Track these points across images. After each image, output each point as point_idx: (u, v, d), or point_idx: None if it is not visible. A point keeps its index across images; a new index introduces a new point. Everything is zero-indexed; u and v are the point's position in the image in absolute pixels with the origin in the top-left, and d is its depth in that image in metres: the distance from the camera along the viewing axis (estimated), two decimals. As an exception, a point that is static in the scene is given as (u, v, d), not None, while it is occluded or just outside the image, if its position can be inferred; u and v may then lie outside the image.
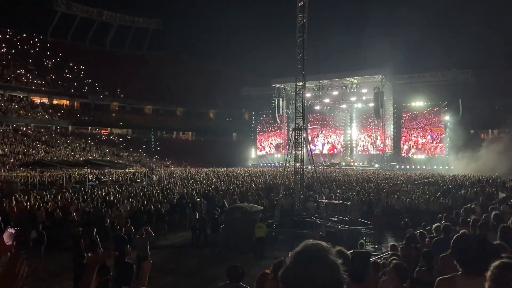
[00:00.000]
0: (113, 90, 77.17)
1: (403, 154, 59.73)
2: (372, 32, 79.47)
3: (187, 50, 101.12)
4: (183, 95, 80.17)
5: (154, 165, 51.90)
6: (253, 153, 72.52)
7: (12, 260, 1.98)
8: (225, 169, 51.59)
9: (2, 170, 40.68)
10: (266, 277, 4.58)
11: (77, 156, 53.05)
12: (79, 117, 70.86)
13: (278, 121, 63.34)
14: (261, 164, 67.04)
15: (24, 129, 60.03)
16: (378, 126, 60.46)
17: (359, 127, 64.27)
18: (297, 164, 20.40)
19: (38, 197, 22.37)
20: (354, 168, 55.34)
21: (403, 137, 60.03)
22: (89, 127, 72.22)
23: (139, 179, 38.49)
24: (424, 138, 58.31)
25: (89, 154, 56.03)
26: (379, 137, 61.17)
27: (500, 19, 70.14)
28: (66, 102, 73.47)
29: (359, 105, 61.72)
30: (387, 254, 9.54)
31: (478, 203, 14.12)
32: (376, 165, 57.07)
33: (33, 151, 51.20)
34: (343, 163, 59.67)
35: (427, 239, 7.95)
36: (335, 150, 66.42)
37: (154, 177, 38.78)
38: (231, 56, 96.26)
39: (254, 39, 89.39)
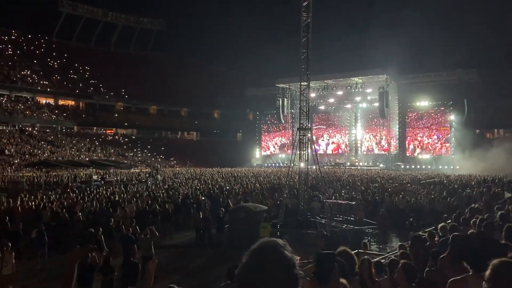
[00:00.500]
0: (118, 90, 77.43)
1: (408, 154, 59.48)
2: (377, 32, 79.31)
3: (191, 50, 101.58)
4: (188, 96, 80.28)
5: (158, 165, 52.02)
6: (257, 153, 72.46)
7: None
8: (230, 169, 51.58)
9: (8, 170, 40.93)
10: None
11: (82, 156, 53.23)
12: (84, 118, 71.16)
13: (283, 121, 63.28)
14: (266, 164, 66.96)
15: (30, 129, 60.35)
16: (383, 126, 60.24)
17: (364, 127, 64.05)
18: (302, 164, 20.38)
19: (44, 197, 22.47)
20: (359, 168, 55.16)
21: (408, 137, 59.78)
22: (94, 127, 72.49)
23: (144, 179, 38.58)
24: (430, 138, 58.03)
25: (94, 154, 56.24)
26: (384, 137, 60.96)
27: (506, 19, 69.72)
28: (71, 102, 73.80)
29: (364, 105, 61.51)
30: (391, 254, 9.52)
31: (482, 203, 14.04)
32: (381, 165, 56.86)
33: (39, 151, 51.45)
34: (348, 163, 59.46)
35: (436, 238, 7.90)
36: (339, 150, 66.27)
37: (159, 177, 38.87)
38: (236, 56, 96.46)
39: (258, 39, 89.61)
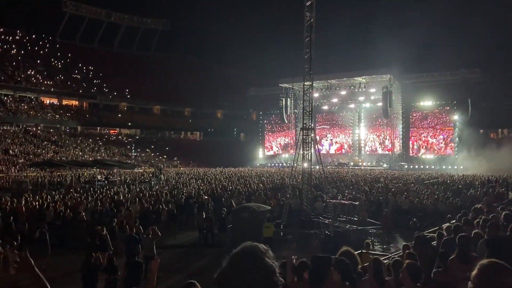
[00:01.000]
0: (122, 90, 77.63)
1: (411, 154, 59.36)
2: (380, 32, 79.23)
3: (194, 51, 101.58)
4: (191, 96, 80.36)
5: (162, 165, 52.11)
6: (260, 153, 72.49)
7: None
8: (233, 169, 51.60)
9: (12, 170, 41.07)
10: None
11: (86, 156, 53.41)
12: (88, 118, 71.37)
13: (286, 121, 63.28)
14: (269, 164, 66.97)
15: (34, 129, 60.59)
16: (387, 126, 60.14)
17: (368, 126, 63.96)
18: (305, 164, 20.36)
19: (48, 196, 22.54)
20: (362, 168, 55.08)
21: (412, 137, 59.64)
22: (98, 128, 72.72)
23: (147, 179, 38.66)
24: (434, 138, 57.87)
25: (98, 154, 56.40)
26: (387, 137, 60.85)
27: (509, 18, 69.46)
28: (75, 102, 74.06)
29: (368, 105, 61.44)
30: (395, 254, 9.49)
31: (484, 203, 13.98)
32: (385, 165, 56.77)
33: (43, 151, 51.62)
34: (351, 163, 59.42)
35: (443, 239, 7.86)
36: (342, 150, 66.20)
37: (162, 177, 38.93)
38: (239, 56, 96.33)
39: (262, 40, 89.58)
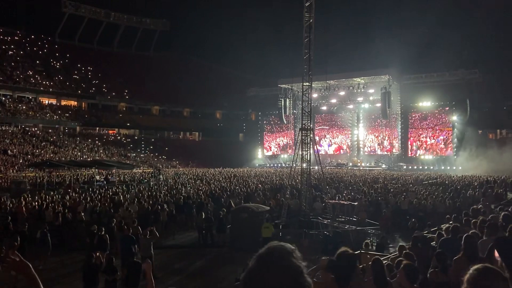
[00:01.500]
0: (121, 91, 77.58)
1: (410, 155, 59.44)
2: (379, 32, 79.34)
3: (194, 51, 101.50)
4: (190, 96, 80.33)
5: (161, 166, 52.08)
6: (259, 154, 72.52)
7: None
8: (232, 169, 51.60)
9: (11, 171, 41.00)
10: None
11: (84, 156, 53.35)
12: (86, 118, 71.27)
13: (285, 122, 63.39)
14: (268, 165, 67.01)
15: (33, 129, 60.49)
16: (386, 127, 60.22)
17: (366, 127, 64.02)
18: (304, 165, 20.37)
19: (47, 197, 22.51)
20: (361, 168, 55.12)
21: (411, 138, 59.71)
22: (97, 128, 72.60)
23: (146, 179, 38.63)
24: (433, 139, 57.92)
25: (96, 155, 56.33)
26: (386, 138, 60.91)
27: (508, 19, 69.58)
28: (74, 103, 73.95)
29: (366, 105, 61.50)
30: (393, 255, 9.51)
31: (483, 204, 14.02)
32: (383, 166, 56.82)
33: (41, 152, 51.54)
34: (350, 164, 59.49)
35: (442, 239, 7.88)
36: (341, 150, 66.25)
37: (161, 177, 38.90)
38: (238, 57, 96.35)
39: (261, 40, 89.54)
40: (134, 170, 45.57)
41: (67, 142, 59.55)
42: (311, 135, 20.63)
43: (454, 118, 56.06)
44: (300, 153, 20.35)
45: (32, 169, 39.29)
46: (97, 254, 9.77)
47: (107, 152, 60.21)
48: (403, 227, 17.37)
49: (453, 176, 36.62)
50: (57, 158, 47.06)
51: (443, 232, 8.10)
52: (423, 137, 58.82)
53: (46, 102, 69.74)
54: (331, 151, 66.38)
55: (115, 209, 18.50)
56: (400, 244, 9.80)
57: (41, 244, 13.40)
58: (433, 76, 66.04)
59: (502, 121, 56.90)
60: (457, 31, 75.01)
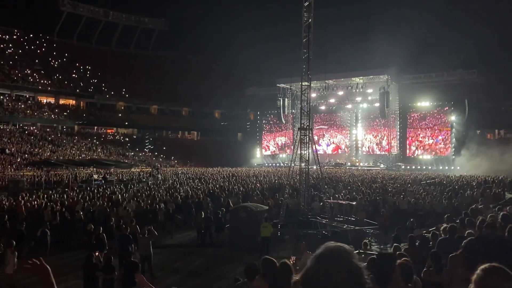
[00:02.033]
0: (119, 90, 77.45)
1: (409, 155, 59.50)
2: (377, 32, 79.14)
3: (192, 50, 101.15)
4: (189, 95, 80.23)
5: (159, 165, 52.05)
6: (258, 153, 72.54)
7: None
8: (230, 169, 51.60)
9: (9, 169, 40.94)
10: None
11: (83, 155, 53.26)
12: (85, 117, 71.13)
13: (284, 121, 63.42)
14: (266, 164, 67.04)
15: (31, 128, 60.40)
16: (384, 126, 60.26)
17: (365, 127, 64.06)
18: (303, 164, 20.38)
19: (45, 196, 22.50)
20: (359, 168, 55.17)
21: (409, 138, 59.78)
22: (95, 127, 72.51)
23: (144, 178, 38.62)
24: (432, 139, 57.99)
25: (95, 154, 56.25)
26: (385, 137, 60.96)
27: (507, 19, 69.65)
28: (72, 102, 73.81)
29: (365, 105, 61.54)
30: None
31: (481, 204, 14.04)
32: (382, 166, 56.87)
33: (40, 151, 51.46)
34: (349, 163, 59.55)
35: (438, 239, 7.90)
36: (339, 150, 66.29)
37: (159, 176, 38.89)
38: (236, 56, 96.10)
39: (259, 39, 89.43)
40: (133, 169, 45.57)
41: (65, 141, 59.46)
42: (310, 135, 20.64)
43: (453, 118, 56.16)
44: (299, 152, 20.37)
45: (30, 168, 39.27)
46: (96, 253, 9.77)
47: (105, 151, 60.15)
48: (401, 226, 17.36)
49: (451, 176, 36.68)
50: (55, 157, 46.99)
51: (441, 232, 8.11)
52: (421, 137, 58.89)
53: (44, 101, 69.60)
54: (329, 150, 66.41)
55: (113, 208, 18.49)
56: (395, 244, 9.81)
57: (40, 243, 13.40)
58: (432, 76, 66.05)
59: (500, 121, 56.97)
60: (455, 31, 75.14)
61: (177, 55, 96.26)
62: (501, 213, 7.58)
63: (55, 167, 37.21)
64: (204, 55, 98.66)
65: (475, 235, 5.86)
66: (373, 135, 63.02)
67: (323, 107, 63.96)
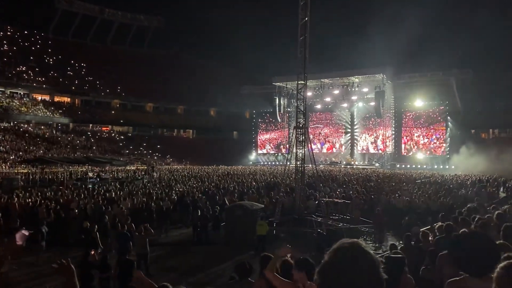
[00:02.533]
0: (114, 87, 77.18)
1: (403, 154, 59.69)
2: (373, 31, 79.34)
3: (188, 48, 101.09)
4: (184, 93, 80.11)
5: (154, 163, 51.94)
6: (253, 152, 72.54)
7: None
8: (226, 167, 51.57)
9: (3, 167, 40.73)
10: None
11: (77, 153, 53.08)
12: (80, 115, 70.88)
13: (279, 120, 63.46)
14: (262, 163, 67.07)
15: (25, 126, 60.09)
16: (379, 125, 60.42)
17: (360, 126, 64.16)
18: (298, 163, 20.41)
19: (39, 193, 22.40)
20: (354, 167, 55.28)
21: (404, 137, 59.97)
22: (90, 125, 72.26)
23: (139, 176, 38.52)
24: (427, 138, 58.20)
25: (89, 151, 56.07)
26: (380, 136, 61.12)
27: (502, 19, 70.06)
28: (67, 99, 73.52)
29: (360, 104, 61.64)
30: (386, 253, 9.54)
31: (477, 203, 14.12)
32: (377, 164, 57.03)
33: (34, 148, 51.24)
34: (344, 162, 59.69)
35: (430, 238, 7.95)
36: (333, 149, 66.39)
37: (155, 174, 38.81)
38: (232, 54, 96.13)
39: (256, 37, 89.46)
40: (128, 167, 45.44)
41: (60, 139, 59.23)
42: (306, 134, 20.66)
43: (448, 117, 56.40)
44: (295, 151, 20.40)
45: (24, 166, 39.08)
46: (92, 252, 9.74)
47: (100, 149, 59.97)
48: (396, 225, 17.43)
49: (446, 175, 36.84)
50: (50, 155, 46.78)
51: (436, 231, 8.15)
52: (416, 136, 59.09)
53: (39, 98, 69.29)
54: (324, 149, 66.51)
55: (108, 206, 18.44)
56: (391, 243, 9.85)
57: (35, 240, 13.34)
58: (427, 75, 66.23)
59: (495, 121, 57.30)
60: (451, 31, 75.50)
61: (173, 53, 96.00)
62: (496, 212, 7.63)
63: (50, 165, 37.04)
64: (199, 53, 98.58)
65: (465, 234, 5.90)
66: (368, 134, 63.15)
67: (318, 106, 64.03)
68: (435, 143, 57.61)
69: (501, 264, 2.11)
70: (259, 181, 31.20)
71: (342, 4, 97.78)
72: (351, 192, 23.60)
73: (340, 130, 65.94)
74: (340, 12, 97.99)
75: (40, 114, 64.91)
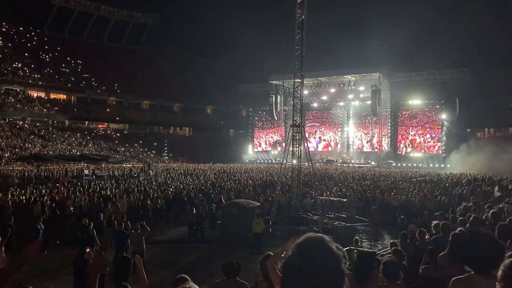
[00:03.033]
0: (111, 85, 76.96)
1: (399, 152, 59.81)
2: (370, 30, 79.54)
3: (185, 45, 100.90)
4: (181, 91, 79.98)
5: (150, 161, 51.86)
6: (250, 150, 72.54)
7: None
8: (222, 165, 51.54)
9: (-2, 164, 40.53)
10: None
11: (73, 150, 52.91)
12: (76, 112, 70.64)
13: (276, 118, 63.46)
14: (258, 161, 67.08)
15: (21, 123, 59.82)
16: (375, 124, 60.52)
17: (356, 124, 64.29)
18: (294, 161, 20.43)
19: (34, 191, 22.31)
20: (350, 165, 55.38)
21: (400, 135, 60.09)
22: (86, 122, 72.04)
23: (135, 174, 38.45)
24: (422, 137, 58.35)
25: (85, 149, 55.90)
26: (376, 135, 61.23)
27: (498, 18, 70.25)
28: (63, 96, 73.20)
29: (357, 103, 61.77)
30: (382, 251, 9.58)
31: (473, 202, 14.18)
32: (373, 163, 57.12)
33: (30, 145, 51.01)
34: (340, 160, 59.79)
35: (426, 237, 7.97)
36: (329, 147, 66.48)
37: (151, 172, 38.74)
38: (229, 52, 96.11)
39: (253, 35, 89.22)
40: (124, 165, 45.34)
41: (55, 136, 59.00)
42: (302, 132, 20.67)
43: (443, 116, 56.54)
44: (291, 149, 20.41)
45: (20, 163, 38.89)
46: (87, 249, 9.71)
47: (96, 146, 59.81)
48: (392, 223, 17.49)
49: (442, 174, 36.95)
50: (45, 152, 46.59)
51: (432, 229, 8.17)
52: (412, 135, 59.22)
53: (35, 95, 68.97)
54: (320, 147, 66.59)
55: (104, 204, 18.39)
56: (392, 241, 9.88)
57: (30, 238, 13.28)
58: (423, 74, 66.36)
59: (491, 120, 57.52)
60: (447, 31, 75.65)
61: (169, 50, 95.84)
62: (491, 211, 7.66)
63: (45, 162, 36.88)
64: (196, 51, 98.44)
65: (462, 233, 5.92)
66: (364, 133, 63.27)
67: (315, 104, 64.08)
68: (429, 141, 57.76)
69: (505, 262, 2.10)
70: (255, 179, 31.21)
71: (339, 3, 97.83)
72: (345, 190, 23.65)
73: (336, 129, 66.03)
74: (337, 10, 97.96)
75: (36, 111, 64.62)
